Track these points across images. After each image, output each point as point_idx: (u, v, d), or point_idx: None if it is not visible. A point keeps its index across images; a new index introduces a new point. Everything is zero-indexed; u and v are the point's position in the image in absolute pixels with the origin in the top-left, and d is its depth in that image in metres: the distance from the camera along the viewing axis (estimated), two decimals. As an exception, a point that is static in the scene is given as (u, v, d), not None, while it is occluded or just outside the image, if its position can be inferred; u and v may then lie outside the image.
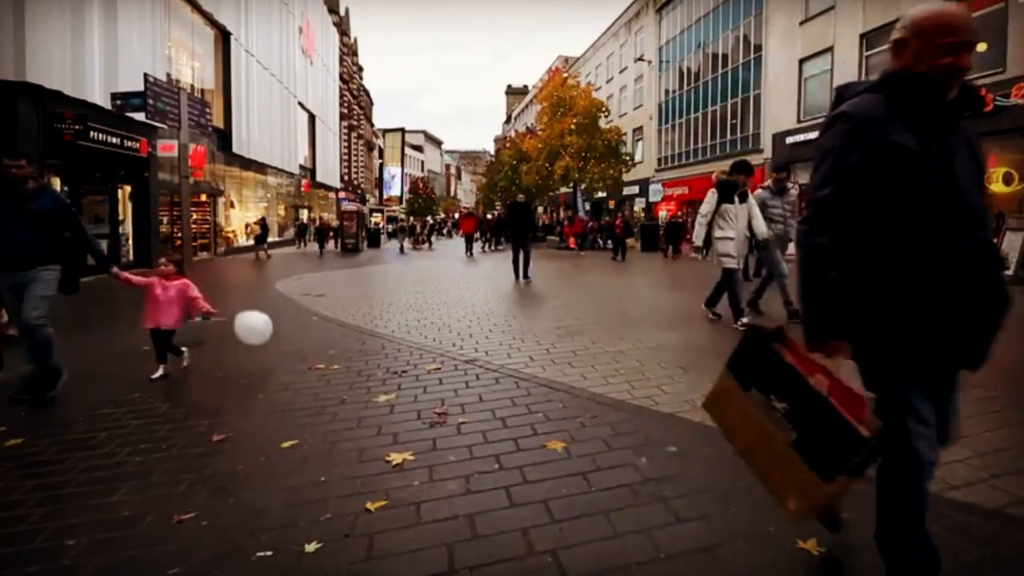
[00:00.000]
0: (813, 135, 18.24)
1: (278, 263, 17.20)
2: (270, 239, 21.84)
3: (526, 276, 10.41)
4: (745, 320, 5.54)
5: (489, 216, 32.89)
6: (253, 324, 4.51)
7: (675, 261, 16.15)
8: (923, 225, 1.44)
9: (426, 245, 27.38)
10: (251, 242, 19.74)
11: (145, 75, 6.47)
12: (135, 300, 4.48)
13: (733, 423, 1.79)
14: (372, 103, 64.81)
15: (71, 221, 3.92)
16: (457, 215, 43.64)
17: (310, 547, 1.96)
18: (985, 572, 1.77)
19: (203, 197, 19.33)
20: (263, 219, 20.92)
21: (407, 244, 24.87)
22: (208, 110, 7.64)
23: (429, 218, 44.07)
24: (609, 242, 20.06)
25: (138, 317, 4.27)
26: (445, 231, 43.75)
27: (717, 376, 1.85)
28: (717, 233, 5.73)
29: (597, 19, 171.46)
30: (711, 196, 5.79)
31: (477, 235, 23.05)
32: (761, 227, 5.82)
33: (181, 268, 4.45)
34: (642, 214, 28.05)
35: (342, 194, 43.00)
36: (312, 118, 33.82)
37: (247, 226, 22.87)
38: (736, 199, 5.65)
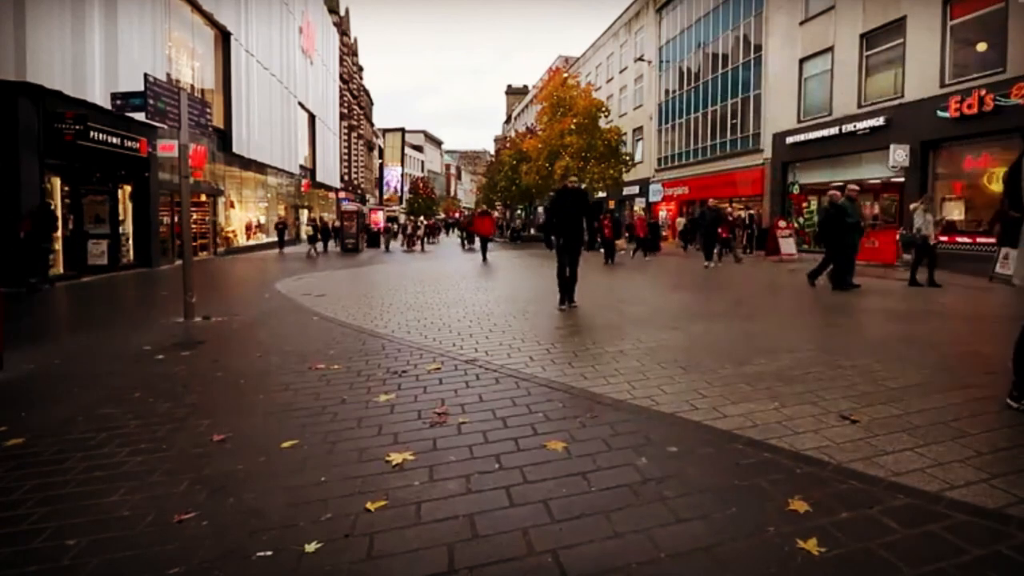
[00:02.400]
0: (813, 135, 18.27)
1: (281, 263, 17.22)
2: (264, 239, 22.87)
3: (572, 299, 7.20)
4: None
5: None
6: None
7: (653, 259, 16.55)
8: None
9: (418, 246, 26.68)
10: (253, 242, 20.99)
11: (145, 75, 6.46)
12: (138, 299, 4.45)
13: None
14: (372, 103, 64.80)
15: None
16: (458, 214, 42.83)
17: (310, 547, 1.96)
18: (985, 572, 1.76)
19: (203, 197, 19.34)
20: (314, 220, 25.11)
21: (396, 244, 24.74)
22: (208, 110, 7.64)
23: (423, 217, 43.20)
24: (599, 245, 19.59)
25: (141, 315, 4.23)
26: (458, 232, 40.18)
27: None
28: None
29: (597, 19, 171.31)
30: None
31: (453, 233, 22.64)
32: None
33: None
34: (633, 216, 27.93)
35: (342, 194, 43.01)
36: (312, 118, 33.80)
37: (252, 222, 23.75)
38: None
